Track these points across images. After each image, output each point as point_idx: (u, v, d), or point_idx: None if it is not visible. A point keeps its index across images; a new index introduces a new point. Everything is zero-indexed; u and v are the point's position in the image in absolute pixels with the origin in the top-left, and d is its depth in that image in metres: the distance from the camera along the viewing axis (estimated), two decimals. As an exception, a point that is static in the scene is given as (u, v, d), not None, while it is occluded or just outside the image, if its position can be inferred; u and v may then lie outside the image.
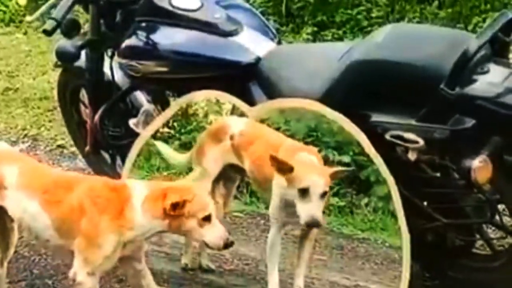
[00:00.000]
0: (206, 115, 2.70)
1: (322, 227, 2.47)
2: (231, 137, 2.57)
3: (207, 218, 2.18)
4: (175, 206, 2.15)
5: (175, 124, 2.74)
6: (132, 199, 2.23)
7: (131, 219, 2.22)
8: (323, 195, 2.29)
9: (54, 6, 2.93)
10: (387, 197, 2.41)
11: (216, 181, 2.62)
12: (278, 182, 2.40)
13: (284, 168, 2.32)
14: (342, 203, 2.50)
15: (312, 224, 2.31)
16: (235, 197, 2.70)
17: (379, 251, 2.53)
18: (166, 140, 2.75)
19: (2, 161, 2.46)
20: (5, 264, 2.64)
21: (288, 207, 2.38)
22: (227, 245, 2.20)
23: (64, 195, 2.31)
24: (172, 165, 2.76)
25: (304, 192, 2.29)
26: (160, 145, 2.72)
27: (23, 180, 2.40)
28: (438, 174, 2.49)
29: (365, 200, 2.49)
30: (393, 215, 2.42)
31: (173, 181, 2.40)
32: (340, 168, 2.38)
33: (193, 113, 2.71)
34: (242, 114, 2.61)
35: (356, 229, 2.54)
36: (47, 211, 2.32)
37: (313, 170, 2.33)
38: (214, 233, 2.19)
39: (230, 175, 2.63)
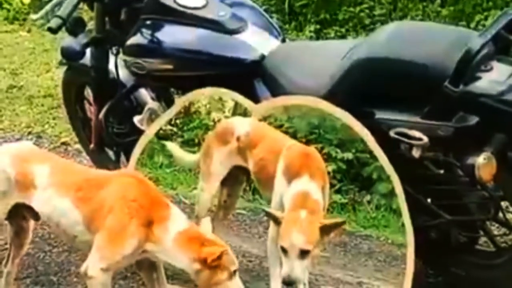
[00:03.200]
0: (208, 113, 2.71)
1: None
2: (238, 139, 2.58)
3: (235, 272, 2.25)
4: (219, 257, 2.20)
5: (178, 121, 2.74)
6: (168, 222, 2.27)
7: (158, 237, 2.26)
8: (304, 253, 2.30)
9: (58, 4, 2.94)
10: (390, 194, 2.41)
11: (223, 182, 2.65)
12: (279, 181, 2.43)
13: (275, 221, 2.37)
14: (344, 200, 2.51)
15: (287, 282, 2.33)
16: (238, 195, 2.71)
17: (382, 248, 2.53)
18: (169, 137, 2.76)
19: (33, 161, 2.49)
20: (16, 262, 2.67)
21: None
22: None
23: (95, 193, 2.35)
24: (176, 164, 2.78)
25: (283, 250, 2.32)
26: (170, 145, 2.73)
27: (55, 179, 2.43)
28: (442, 171, 2.50)
29: (368, 197, 2.50)
30: (396, 212, 2.42)
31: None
32: (331, 220, 2.36)
33: (196, 111, 2.72)
34: (244, 112, 2.62)
35: (358, 226, 2.55)
36: (78, 208, 2.36)
37: (296, 227, 2.31)
38: (238, 286, 2.27)
39: (237, 176, 2.65)
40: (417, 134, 2.29)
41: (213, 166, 2.63)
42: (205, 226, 2.33)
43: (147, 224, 2.27)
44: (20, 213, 2.55)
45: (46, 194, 2.42)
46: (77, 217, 2.36)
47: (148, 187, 2.38)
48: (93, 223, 2.34)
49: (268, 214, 2.41)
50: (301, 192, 2.37)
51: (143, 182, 2.39)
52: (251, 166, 2.56)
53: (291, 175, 2.41)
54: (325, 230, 2.32)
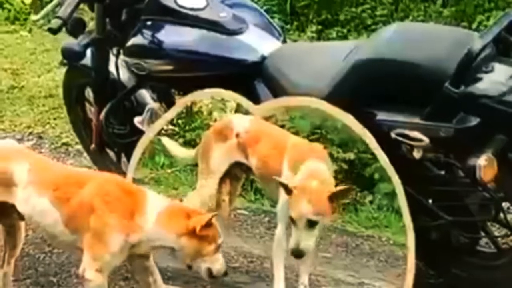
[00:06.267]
0: (210, 113, 2.71)
1: (327, 225, 2.50)
2: (237, 135, 2.58)
3: (219, 246, 2.26)
4: (207, 226, 2.20)
5: (179, 121, 2.75)
6: (147, 207, 2.27)
7: (141, 224, 2.25)
8: (312, 224, 2.30)
9: (59, 4, 2.94)
10: (391, 195, 2.41)
11: (222, 179, 2.64)
12: (286, 177, 2.42)
13: (286, 190, 2.35)
14: (346, 201, 2.51)
15: (293, 253, 2.33)
16: (240, 195, 2.71)
17: (384, 249, 2.54)
18: (170, 137, 2.76)
19: (12, 159, 2.47)
20: (12, 262, 2.66)
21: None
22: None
23: (74, 192, 2.33)
24: (176, 162, 2.78)
25: (293, 220, 2.32)
26: (165, 141, 2.73)
27: (34, 177, 2.41)
28: (443, 172, 2.49)
29: (370, 197, 2.50)
30: (397, 213, 2.42)
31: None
32: (339, 188, 2.35)
33: (198, 111, 2.72)
34: (246, 112, 2.62)
35: (360, 227, 2.55)
36: (57, 207, 2.34)
37: (306, 196, 2.31)
38: (221, 260, 2.28)
39: (235, 173, 2.64)
40: (418, 135, 2.29)
41: (212, 162, 2.63)
42: (191, 200, 2.36)
43: (129, 215, 2.26)
44: (10, 213, 2.52)
45: (26, 193, 2.40)
46: (56, 217, 2.35)
47: (123, 181, 2.41)
48: (74, 224, 2.33)
49: (280, 183, 2.38)
50: (311, 168, 2.37)
51: (118, 178, 2.43)
52: (253, 162, 2.56)
53: (298, 169, 2.40)
54: (334, 198, 2.32)
